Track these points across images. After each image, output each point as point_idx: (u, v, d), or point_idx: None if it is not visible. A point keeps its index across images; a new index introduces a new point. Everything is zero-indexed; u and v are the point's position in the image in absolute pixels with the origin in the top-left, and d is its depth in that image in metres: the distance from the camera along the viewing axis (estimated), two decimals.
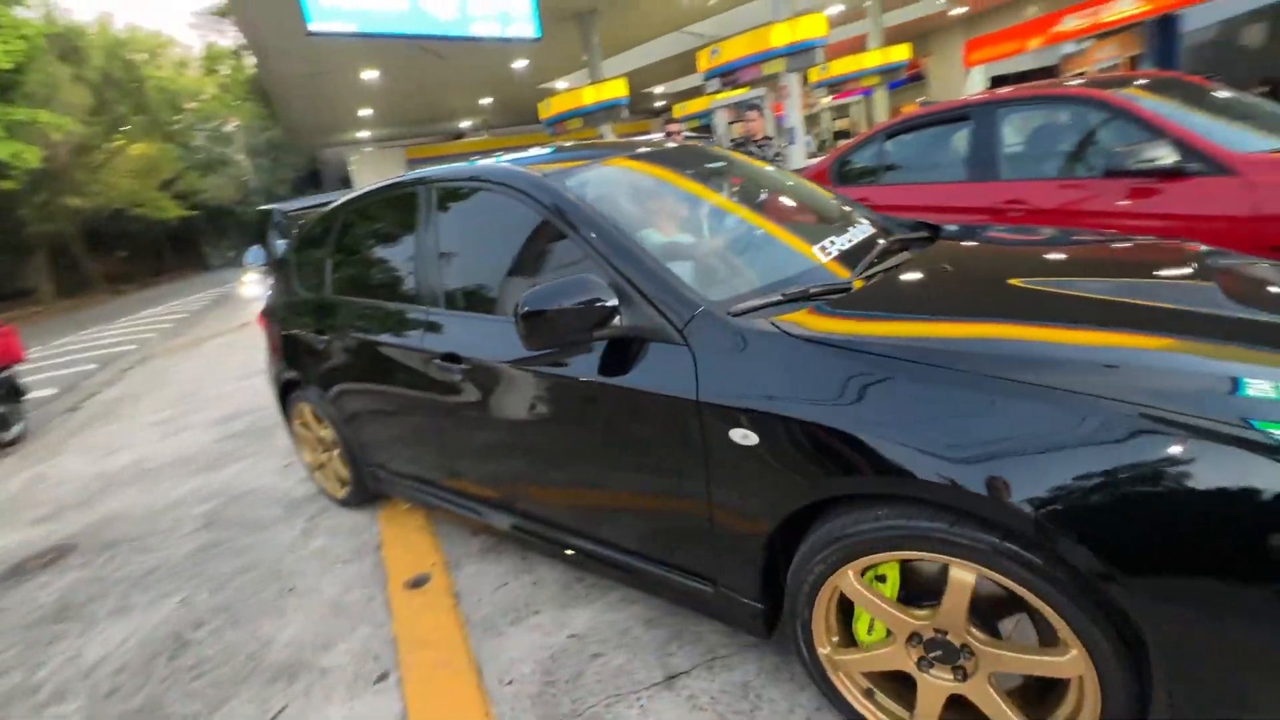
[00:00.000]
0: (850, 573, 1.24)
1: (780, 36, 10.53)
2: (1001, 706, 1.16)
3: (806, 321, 1.36)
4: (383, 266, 2.42)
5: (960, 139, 3.58)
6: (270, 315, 3.11)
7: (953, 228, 2.07)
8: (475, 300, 2.00)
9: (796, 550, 1.34)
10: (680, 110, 21.98)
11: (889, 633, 1.27)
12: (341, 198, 2.74)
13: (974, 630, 1.16)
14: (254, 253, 7.50)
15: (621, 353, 1.51)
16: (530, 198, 1.77)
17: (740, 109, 11.42)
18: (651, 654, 1.77)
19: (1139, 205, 2.77)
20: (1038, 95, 3.47)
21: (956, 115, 3.62)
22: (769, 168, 2.52)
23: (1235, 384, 1.00)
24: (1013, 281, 1.53)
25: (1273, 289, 1.45)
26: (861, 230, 1.93)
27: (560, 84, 18.88)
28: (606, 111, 13.32)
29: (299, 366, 2.80)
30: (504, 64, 16.12)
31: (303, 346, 2.74)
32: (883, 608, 1.25)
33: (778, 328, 1.33)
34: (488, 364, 1.84)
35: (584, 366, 1.58)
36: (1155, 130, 2.77)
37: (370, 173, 24.55)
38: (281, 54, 12.68)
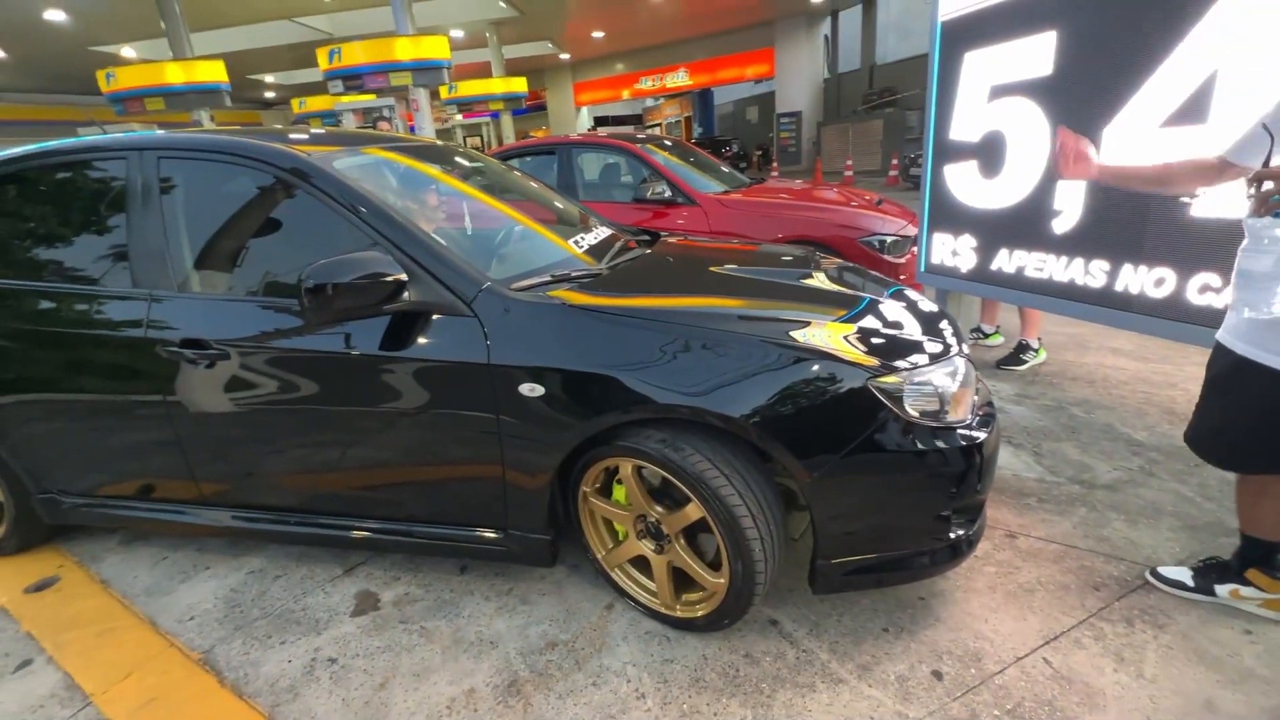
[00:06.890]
0: (592, 479, 1.69)
1: (404, 51, 10.81)
2: (665, 573, 1.70)
3: (573, 297, 1.67)
4: (69, 246, 2.03)
5: (553, 167, 4.77)
6: None
7: (670, 235, 2.72)
8: (227, 283, 1.90)
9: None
10: (299, 106, 20.04)
11: (628, 532, 1.76)
12: None
13: (679, 535, 1.64)
14: None
15: (406, 328, 1.64)
16: (303, 178, 1.74)
17: (370, 115, 11.37)
18: (331, 561, 2.20)
19: (654, 223, 4.29)
20: (593, 142, 4.90)
21: (548, 149, 4.80)
22: (517, 175, 2.82)
23: (805, 325, 1.58)
24: (712, 269, 2.14)
25: (847, 274, 2.20)
26: (603, 231, 2.43)
27: (127, 51, 15.23)
28: (202, 95, 11.47)
29: None
30: (29, 11, 12.29)
31: None
32: (610, 510, 1.74)
33: (556, 300, 1.64)
34: (248, 347, 1.76)
35: (367, 342, 1.65)
36: (659, 174, 4.33)
37: None
38: None
